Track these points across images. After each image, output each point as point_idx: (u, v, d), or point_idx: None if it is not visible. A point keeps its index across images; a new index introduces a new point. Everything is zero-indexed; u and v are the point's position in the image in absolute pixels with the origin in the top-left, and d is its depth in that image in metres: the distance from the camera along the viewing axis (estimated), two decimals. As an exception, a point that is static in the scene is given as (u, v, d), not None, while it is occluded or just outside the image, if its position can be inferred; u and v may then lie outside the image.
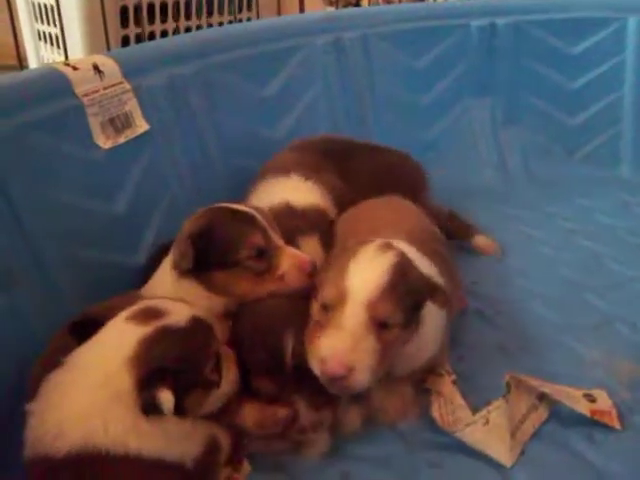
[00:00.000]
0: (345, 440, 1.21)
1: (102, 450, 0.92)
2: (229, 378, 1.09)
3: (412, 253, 1.23)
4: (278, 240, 1.26)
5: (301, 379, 1.13)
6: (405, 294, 1.11)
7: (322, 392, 1.12)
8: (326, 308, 1.12)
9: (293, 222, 1.41)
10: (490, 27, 2.29)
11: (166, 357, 0.97)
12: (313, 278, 1.22)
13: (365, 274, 1.11)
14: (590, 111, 2.40)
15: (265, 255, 1.22)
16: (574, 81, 2.38)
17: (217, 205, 1.27)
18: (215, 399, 1.07)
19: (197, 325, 1.03)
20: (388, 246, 1.17)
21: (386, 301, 1.08)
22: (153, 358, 0.96)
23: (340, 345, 1.06)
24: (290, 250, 1.26)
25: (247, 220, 1.23)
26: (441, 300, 1.17)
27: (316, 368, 1.08)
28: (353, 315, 1.08)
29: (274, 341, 1.14)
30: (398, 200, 1.57)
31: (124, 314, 1.03)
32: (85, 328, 1.06)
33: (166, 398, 0.93)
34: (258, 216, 1.24)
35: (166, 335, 0.99)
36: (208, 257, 1.20)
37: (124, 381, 0.95)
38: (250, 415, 1.15)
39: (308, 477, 1.16)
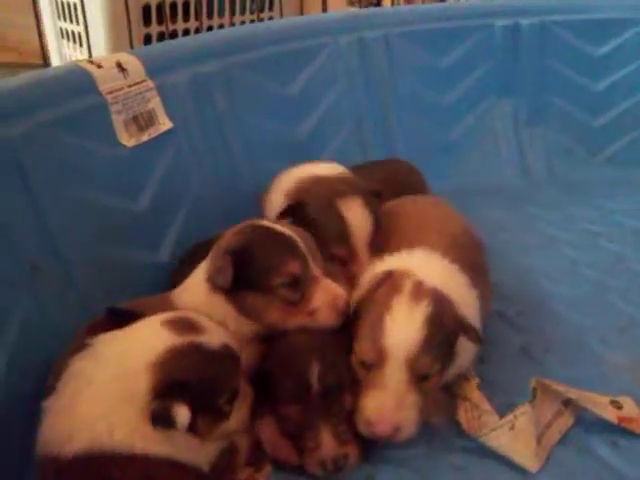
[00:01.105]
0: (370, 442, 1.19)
1: (108, 452, 0.91)
2: (239, 416, 1.06)
3: (449, 272, 1.24)
4: (316, 270, 1.20)
5: (328, 408, 1.12)
6: (442, 342, 1.12)
7: (351, 426, 1.13)
8: (365, 366, 1.13)
9: (330, 186, 1.36)
10: (514, 27, 2.28)
11: (189, 373, 0.95)
12: (345, 315, 1.19)
13: (402, 331, 1.10)
14: (613, 112, 2.38)
15: (300, 285, 1.17)
16: (598, 82, 2.36)
17: (259, 223, 1.23)
18: (220, 432, 1.03)
19: (226, 354, 1.01)
20: (422, 292, 1.14)
21: (426, 355, 1.09)
22: (177, 370, 0.94)
23: (385, 406, 1.08)
24: (326, 284, 1.20)
25: (288, 245, 1.17)
26: (473, 338, 1.17)
27: (363, 429, 1.10)
28: (394, 374, 1.09)
29: (301, 367, 1.12)
30: (442, 202, 1.56)
31: (161, 317, 1.02)
32: (122, 318, 1.06)
33: (182, 413, 0.92)
34: (300, 242, 1.18)
35: (195, 352, 0.97)
36: (242, 277, 1.15)
37: (140, 383, 0.93)
38: (267, 443, 1.16)
39: (331, 478, 1.14)
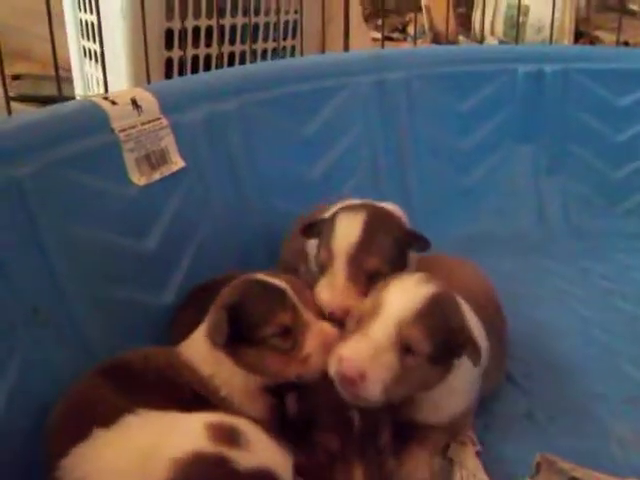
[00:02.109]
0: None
1: None
2: None
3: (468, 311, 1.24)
4: (308, 316, 1.20)
5: (364, 449, 1.11)
6: (439, 329, 1.10)
7: (382, 468, 1.13)
8: (360, 320, 1.13)
9: (348, 207, 1.39)
10: (537, 73, 2.25)
11: None
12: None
13: (405, 295, 1.12)
14: (635, 164, 2.33)
15: (291, 334, 1.18)
16: (620, 133, 2.32)
17: (251, 276, 1.24)
18: None
19: (257, 478, 0.92)
20: (440, 283, 1.16)
21: (417, 326, 1.08)
22: (191, 478, 0.88)
23: (360, 350, 1.07)
24: (318, 327, 1.20)
25: (276, 296, 1.19)
26: (474, 357, 1.14)
27: (332, 366, 1.08)
28: (381, 328, 1.08)
29: (344, 402, 1.11)
30: (471, 264, 1.57)
31: (209, 417, 0.97)
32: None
33: None
34: (289, 291, 1.20)
35: (218, 466, 0.89)
36: (238, 332, 1.17)
37: (158, 473, 0.89)
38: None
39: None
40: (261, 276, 1.24)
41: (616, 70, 2.31)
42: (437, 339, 1.09)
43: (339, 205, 1.43)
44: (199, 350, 1.22)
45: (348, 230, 1.28)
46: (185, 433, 0.94)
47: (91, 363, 1.22)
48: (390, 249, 1.29)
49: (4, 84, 1.58)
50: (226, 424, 0.95)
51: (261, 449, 0.94)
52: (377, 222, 1.31)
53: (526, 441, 1.32)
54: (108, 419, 1.03)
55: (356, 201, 1.44)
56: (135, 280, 1.47)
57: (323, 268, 1.30)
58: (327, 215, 1.40)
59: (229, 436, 0.93)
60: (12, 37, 1.95)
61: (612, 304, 1.88)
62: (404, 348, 1.08)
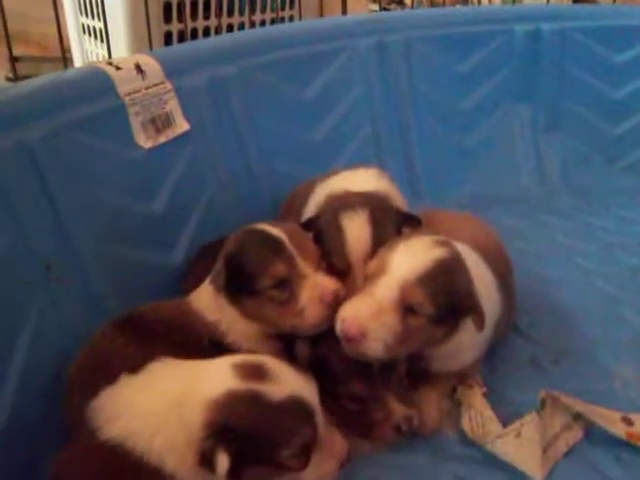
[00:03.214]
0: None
1: (137, 454, 0.93)
2: (321, 470, 1.02)
3: (478, 264, 1.27)
4: (305, 268, 1.20)
5: (389, 380, 1.17)
6: (443, 292, 1.12)
7: (408, 391, 1.20)
8: (366, 278, 1.16)
9: (343, 200, 1.36)
10: (535, 32, 2.27)
11: (241, 422, 0.93)
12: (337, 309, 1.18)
13: (411, 255, 1.14)
14: (633, 121, 2.37)
15: (286, 285, 1.19)
16: (618, 90, 2.35)
17: (253, 227, 1.25)
18: None
19: (290, 407, 0.96)
20: (448, 244, 1.18)
21: (421, 288, 1.10)
22: (230, 415, 0.92)
23: (362, 309, 1.10)
24: (314, 279, 1.20)
25: (274, 247, 1.20)
26: (478, 323, 1.16)
27: (337, 325, 1.12)
28: (385, 288, 1.11)
29: None
30: (479, 219, 1.57)
31: (234, 359, 1.01)
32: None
33: (222, 461, 0.90)
34: (287, 242, 1.20)
35: (252, 401, 0.94)
36: (238, 281, 1.19)
37: (195, 416, 0.93)
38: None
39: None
40: (262, 226, 1.24)
41: (613, 27, 2.32)
42: (440, 302, 1.11)
43: (328, 183, 1.45)
44: (205, 297, 1.26)
45: (359, 234, 1.26)
46: (214, 375, 0.98)
47: (103, 320, 1.27)
48: (394, 237, 1.25)
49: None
50: (251, 362, 0.99)
51: (288, 380, 0.98)
52: (380, 217, 1.29)
53: (530, 384, 1.36)
54: (128, 366, 1.06)
55: (345, 178, 1.45)
56: (144, 240, 1.51)
57: (340, 275, 1.26)
58: (317, 198, 1.42)
59: (256, 372, 0.97)
60: (9, 20, 1.96)
61: (613, 256, 1.91)
62: (406, 308, 1.10)
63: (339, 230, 1.27)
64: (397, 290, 1.10)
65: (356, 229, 1.26)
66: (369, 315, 1.09)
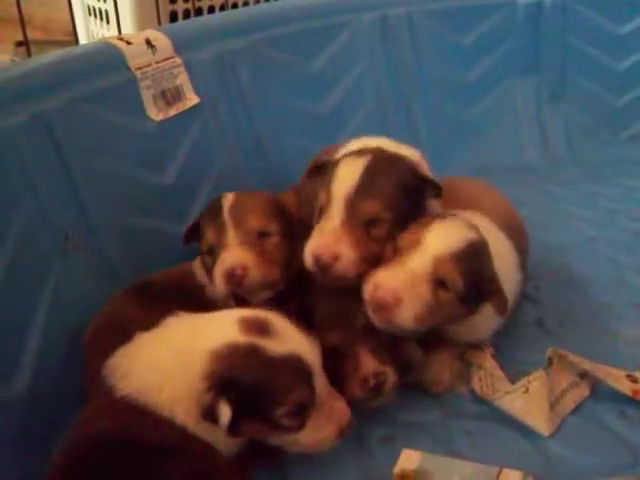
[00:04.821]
0: (391, 406, 1.24)
1: (150, 407, 0.96)
2: (318, 434, 1.03)
3: (504, 243, 1.32)
4: (232, 239, 1.28)
5: (368, 335, 1.16)
6: (473, 272, 1.14)
7: (388, 350, 1.18)
8: (398, 251, 1.17)
9: (354, 151, 1.32)
10: (537, 4, 2.27)
11: (241, 374, 0.95)
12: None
13: (446, 233, 1.15)
14: (636, 92, 2.39)
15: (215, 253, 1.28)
16: (621, 61, 2.37)
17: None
18: (288, 443, 1.04)
19: (288, 364, 0.97)
20: (477, 229, 1.20)
21: (454, 263, 1.12)
22: (230, 367, 0.95)
23: (397, 277, 1.11)
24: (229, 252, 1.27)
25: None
26: (500, 308, 1.19)
27: (367, 292, 1.12)
28: (420, 260, 1.12)
29: (342, 295, 1.18)
30: (489, 185, 1.60)
31: (241, 312, 1.03)
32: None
33: (224, 412, 0.93)
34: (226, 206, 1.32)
35: (252, 355, 0.96)
36: None
37: (197, 366, 0.95)
38: None
39: (355, 436, 1.19)
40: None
41: (615, -2, 2.33)
42: (469, 280, 1.13)
43: (352, 144, 1.41)
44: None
45: (349, 173, 1.22)
46: (219, 328, 1.01)
47: (117, 288, 1.32)
48: (393, 194, 1.21)
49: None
50: (257, 317, 1.02)
51: (290, 337, 1.00)
52: (381, 166, 1.23)
53: (537, 345, 1.39)
54: (141, 330, 1.09)
55: (372, 141, 1.38)
56: (157, 210, 1.55)
57: (321, 212, 1.24)
58: (337, 157, 1.36)
59: (260, 327, 0.99)
60: (13, 4, 1.98)
61: (617, 223, 1.94)
62: (438, 282, 1.12)
63: (335, 169, 1.25)
64: (431, 263, 1.12)
65: (349, 170, 1.23)
66: (403, 284, 1.10)
